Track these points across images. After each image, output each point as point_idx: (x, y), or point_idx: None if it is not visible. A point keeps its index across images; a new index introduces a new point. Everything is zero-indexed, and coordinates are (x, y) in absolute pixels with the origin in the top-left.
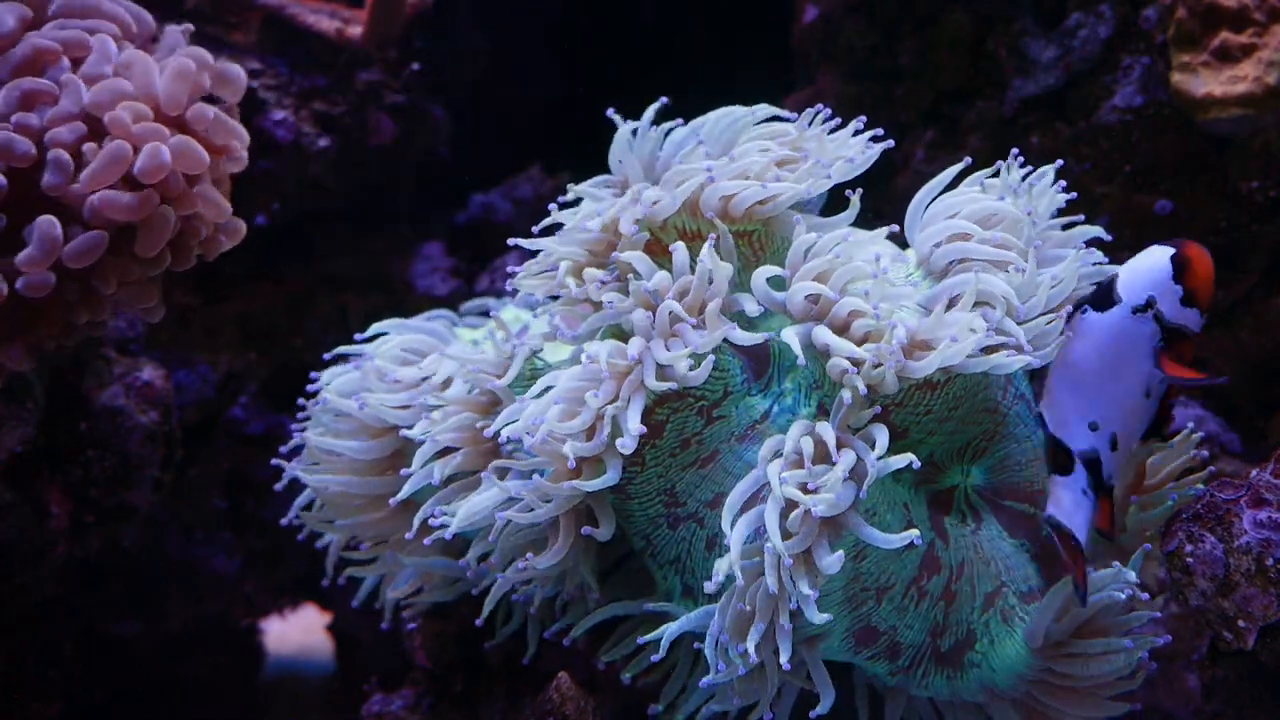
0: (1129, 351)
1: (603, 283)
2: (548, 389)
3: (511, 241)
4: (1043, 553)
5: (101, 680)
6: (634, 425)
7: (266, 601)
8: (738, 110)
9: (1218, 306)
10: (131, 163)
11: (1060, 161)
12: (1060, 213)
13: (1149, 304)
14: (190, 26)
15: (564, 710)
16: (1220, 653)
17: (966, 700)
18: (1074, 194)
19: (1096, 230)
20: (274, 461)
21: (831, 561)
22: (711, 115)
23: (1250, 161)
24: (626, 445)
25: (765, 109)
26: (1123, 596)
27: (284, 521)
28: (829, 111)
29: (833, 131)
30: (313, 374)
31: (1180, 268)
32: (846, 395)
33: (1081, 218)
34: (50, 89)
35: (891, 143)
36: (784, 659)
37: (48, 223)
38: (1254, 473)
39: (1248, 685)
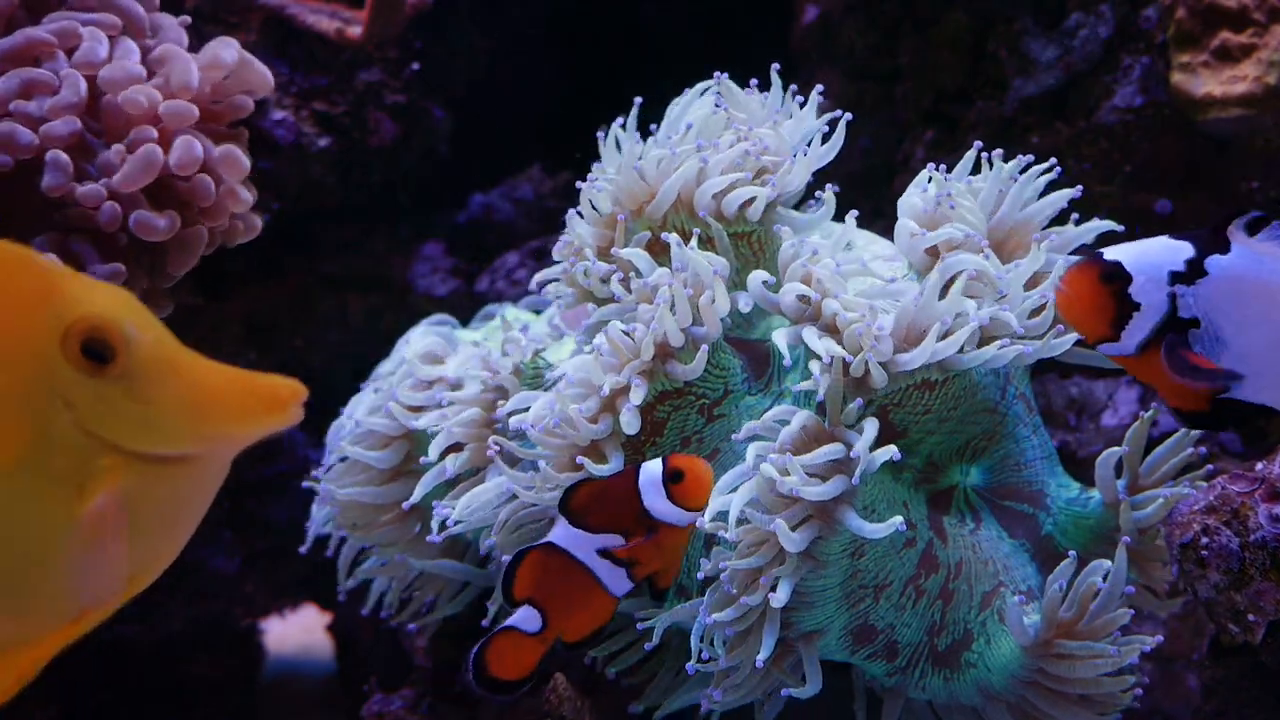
0: None
1: (602, 279)
2: (554, 383)
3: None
4: (1042, 553)
5: (101, 681)
6: (636, 402)
7: (266, 601)
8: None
9: None
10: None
11: (1030, 157)
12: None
13: None
14: (188, 19)
15: (561, 711)
16: (1222, 650)
17: (964, 703)
18: (1079, 193)
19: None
20: (305, 484)
21: (797, 540)
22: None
23: (1250, 161)
24: (629, 425)
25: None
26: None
27: (329, 552)
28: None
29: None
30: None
31: None
32: (818, 373)
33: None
34: (50, 79)
35: (850, 115)
36: (767, 647)
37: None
38: (1259, 465)
39: (1248, 685)
